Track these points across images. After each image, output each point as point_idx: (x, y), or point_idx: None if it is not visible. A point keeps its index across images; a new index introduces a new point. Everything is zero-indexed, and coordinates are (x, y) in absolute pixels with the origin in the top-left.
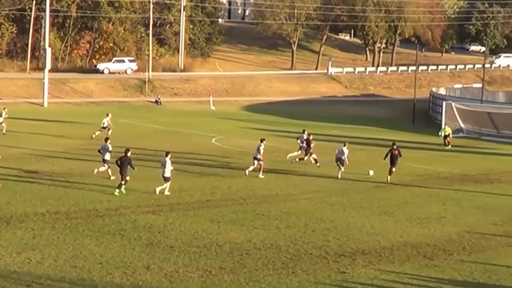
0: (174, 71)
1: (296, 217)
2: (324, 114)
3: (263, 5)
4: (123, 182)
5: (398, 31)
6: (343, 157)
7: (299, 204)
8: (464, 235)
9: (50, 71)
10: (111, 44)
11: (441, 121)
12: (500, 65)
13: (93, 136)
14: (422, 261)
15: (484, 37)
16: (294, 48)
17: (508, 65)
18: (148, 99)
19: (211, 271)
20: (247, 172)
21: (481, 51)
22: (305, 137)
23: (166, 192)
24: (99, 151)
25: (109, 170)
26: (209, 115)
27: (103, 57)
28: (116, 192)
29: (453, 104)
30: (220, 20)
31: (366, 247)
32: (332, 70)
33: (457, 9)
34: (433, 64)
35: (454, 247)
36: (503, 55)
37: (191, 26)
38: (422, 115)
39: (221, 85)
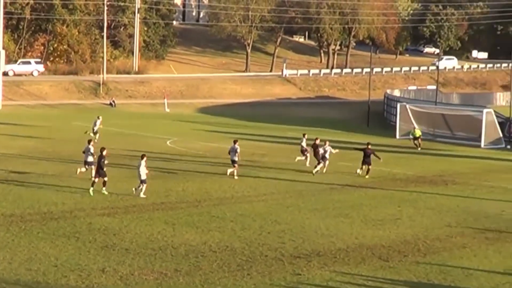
0: (128, 73)
1: (251, 219)
2: (279, 116)
3: (218, 7)
4: (96, 180)
5: (353, 33)
6: (326, 155)
7: (254, 206)
8: (419, 236)
9: (4, 73)
10: (65, 47)
11: (395, 122)
12: (445, 68)
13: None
14: (377, 262)
15: (438, 39)
16: (249, 50)
17: (449, 67)
18: (102, 102)
19: (166, 273)
20: (228, 172)
21: (435, 53)
22: (304, 141)
23: (142, 195)
24: (83, 152)
25: (83, 169)
26: (163, 117)
27: (57, 59)
28: (103, 190)
29: (407, 105)
30: (174, 22)
31: (321, 249)
32: (287, 72)
33: (411, 11)
34: (387, 66)
35: (409, 248)
36: (444, 57)
37: (146, 28)
38: (377, 117)
39: (176, 87)
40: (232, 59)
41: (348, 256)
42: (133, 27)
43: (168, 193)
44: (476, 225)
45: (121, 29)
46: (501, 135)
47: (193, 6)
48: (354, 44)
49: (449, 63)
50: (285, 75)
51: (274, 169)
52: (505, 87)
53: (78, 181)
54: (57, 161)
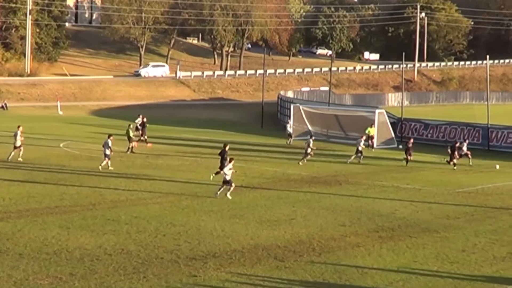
0: (21, 75)
1: (146, 221)
2: (173, 118)
3: (110, 9)
4: (220, 171)
5: (246, 35)
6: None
7: (149, 209)
8: (313, 236)
9: None
10: None
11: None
12: (145, 75)
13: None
14: (273, 263)
15: (331, 41)
16: (142, 52)
17: (155, 75)
18: None
19: (61, 277)
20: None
21: (328, 54)
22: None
23: (229, 196)
24: (103, 146)
25: (109, 162)
26: (57, 120)
27: None
28: (211, 177)
29: (300, 107)
30: (67, 24)
31: (217, 250)
32: (181, 74)
33: (304, 13)
34: (280, 68)
35: (304, 248)
36: (151, 63)
37: (38, 30)
38: (271, 118)
39: (69, 89)
40: (126, 61)
41: (244, 257)
42: (25, 28)
43: (62, 197)
44: (369, 224)
45: (13, 31)
46: (393, 135)
47: (85, 8)
48: (248, 46)
49: (157, 70)
50: (179, 77)
51: (169, 170)
52: (396, 88)
53: None
54: None
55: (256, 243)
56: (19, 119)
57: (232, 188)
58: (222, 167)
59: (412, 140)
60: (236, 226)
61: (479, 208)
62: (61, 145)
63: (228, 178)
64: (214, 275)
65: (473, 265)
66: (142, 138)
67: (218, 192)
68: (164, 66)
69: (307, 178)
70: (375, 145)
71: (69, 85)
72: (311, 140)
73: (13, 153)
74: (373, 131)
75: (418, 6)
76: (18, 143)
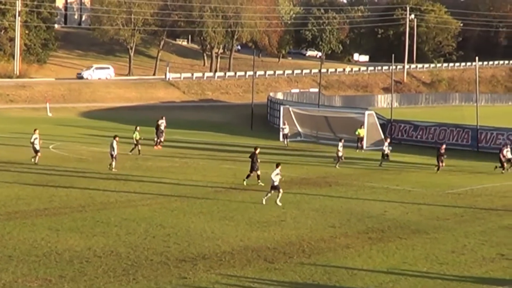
0: (10, 77)
1: (136, 223)
2: None
3: (100, 11)
4: (251, 174)
5: (235, 37)
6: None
7: (139, 210)
8: (303, 237)
9: None
10: None
11: (279, 125)
12: (88, 78)
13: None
14: (263, 264)
15: (320, 43)
16: (132, 54)
17: (99, 78)
18: None
19: (51, 280)
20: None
21: (318, 56)
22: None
23: (279, 203)
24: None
25: (113, 163)
26: (46, 122)
27: None
28: (244, 182)
29: (290, 108)
30: (56, 25)
31: (207, 252)
32: (170, 76)
33: (294, 15)
34: (270, 69)
35: (294, 250)
36: (94, 66)
37: (27, 32)
38: (260, 120)
39: (58, 91)
40: (115, 63)
41: (234, 259)
42: (14, 30)
43: (52, 199)
44: (359, 225)
45: (2, 32)
46: (382, 136)
47: (75, 9)
48: (238, 47)
49: (102, 72)
50: (169, 79)
51: (158, 172)
52: (385, 89)
53: None
54: None
55: (246, 245)
56: (8, 120)
57: (280, 194)
58: (252, 170)
59: (444, 146)
60: (226, 228)
61: (469, 209)
62: (50, 146)
63: (276, 183)
64: (204, 276)
65: (462, 266)
66: (157, 139)
67: (265, 199)
68: (108, 68)
69: (296, 179)
70: (364, 147)
71: (58, 86)
72: (340, 144)
73: (37, 157)
74: (362, 132)
75: (408, 8)
76: (38, 147)
